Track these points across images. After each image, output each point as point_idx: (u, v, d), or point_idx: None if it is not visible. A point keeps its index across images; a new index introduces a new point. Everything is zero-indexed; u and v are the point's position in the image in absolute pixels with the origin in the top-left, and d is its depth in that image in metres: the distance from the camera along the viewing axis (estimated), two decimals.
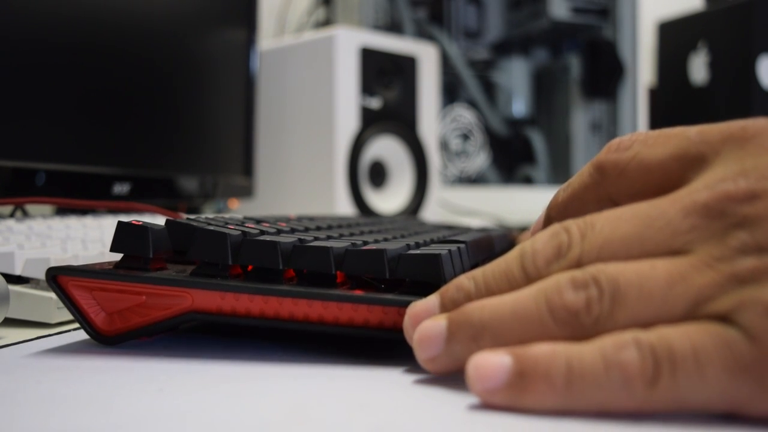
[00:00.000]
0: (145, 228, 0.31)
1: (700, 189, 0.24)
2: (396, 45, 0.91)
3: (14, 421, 0.22)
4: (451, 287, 0.27)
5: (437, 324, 0.25)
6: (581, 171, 0.30)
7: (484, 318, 0.24)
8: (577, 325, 0.23)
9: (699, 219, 0.23)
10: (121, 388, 0.25)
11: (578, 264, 0.24)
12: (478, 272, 0.26)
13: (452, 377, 0.27)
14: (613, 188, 0.28)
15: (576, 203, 0.30)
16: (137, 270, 0.30)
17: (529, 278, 0.25)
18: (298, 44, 0.90)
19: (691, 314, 0.22)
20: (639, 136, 0.28)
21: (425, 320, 0.26)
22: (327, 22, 1.13)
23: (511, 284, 0.25)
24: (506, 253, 0.26)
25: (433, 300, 0.27)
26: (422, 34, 1.21)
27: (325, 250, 0.30)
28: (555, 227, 0.26)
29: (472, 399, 0.23)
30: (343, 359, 0.30)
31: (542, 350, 0.22)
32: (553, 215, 0.32)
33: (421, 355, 0.25)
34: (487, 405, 0.23)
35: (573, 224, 0.25)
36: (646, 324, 0.22)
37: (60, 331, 0.35)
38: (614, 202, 0.29)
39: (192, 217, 0.35)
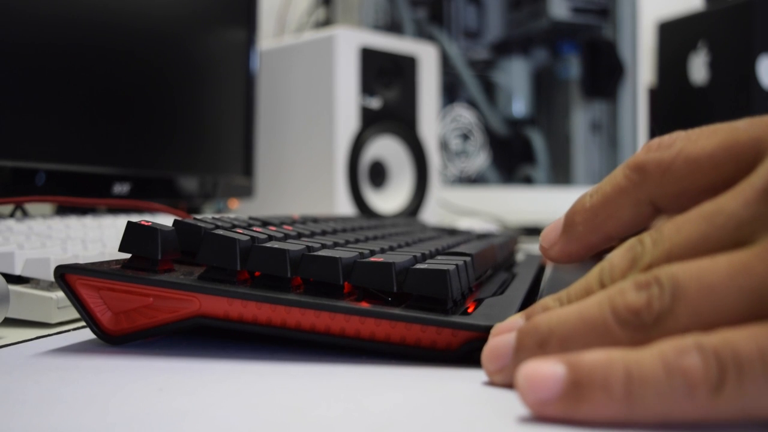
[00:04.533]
0: (154, 229, 0.31)
1: (761, 176, 0.22)
2: (396, 45, 0.91)
3: (14, 420, 0.21)
4: (537, 307, 0.26)
5: (507, 336, 0.25)
6: (613, 174, 0.29)
7: (551, 324, 0.24)
8: (639, 325, 0.22)
9: (761, 206, 0.22)
10: (121, 388, 0.25)
11: (648, 270, 0.23)
12: (563, 292, 0.26)
13: (453, 378, 0.26)
14: (655, 190, 0.27)
15: (609, 208, 0.29)
16: (145, 271, 0.30)
17: None
18: (298, 44, 0.90)
19: (756, 307, 0.20)
20: (680, 133, 0.27)
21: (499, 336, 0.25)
22: (327, 22, 1.13)
23: None
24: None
25: (517, 320, 0.26)
26: (422, 34, 1.21)
27: (333, 261, 0.30)
28: (631, 241, 0.25)
29: (473, 399, 0.23)
30: (343, 358, 0.30)
31: (598, 357, 0.21)
32: (579, 221, 0.30)
33: (489, 367, 0.25)
34: (540, 417, 0.21)
35: (647, 235, 0.25)
36: (709, 320, 0.21)
37: (60, 331, 0.35)
38: (654, 206, 0.28)
39: (199, 217, 0.35)
